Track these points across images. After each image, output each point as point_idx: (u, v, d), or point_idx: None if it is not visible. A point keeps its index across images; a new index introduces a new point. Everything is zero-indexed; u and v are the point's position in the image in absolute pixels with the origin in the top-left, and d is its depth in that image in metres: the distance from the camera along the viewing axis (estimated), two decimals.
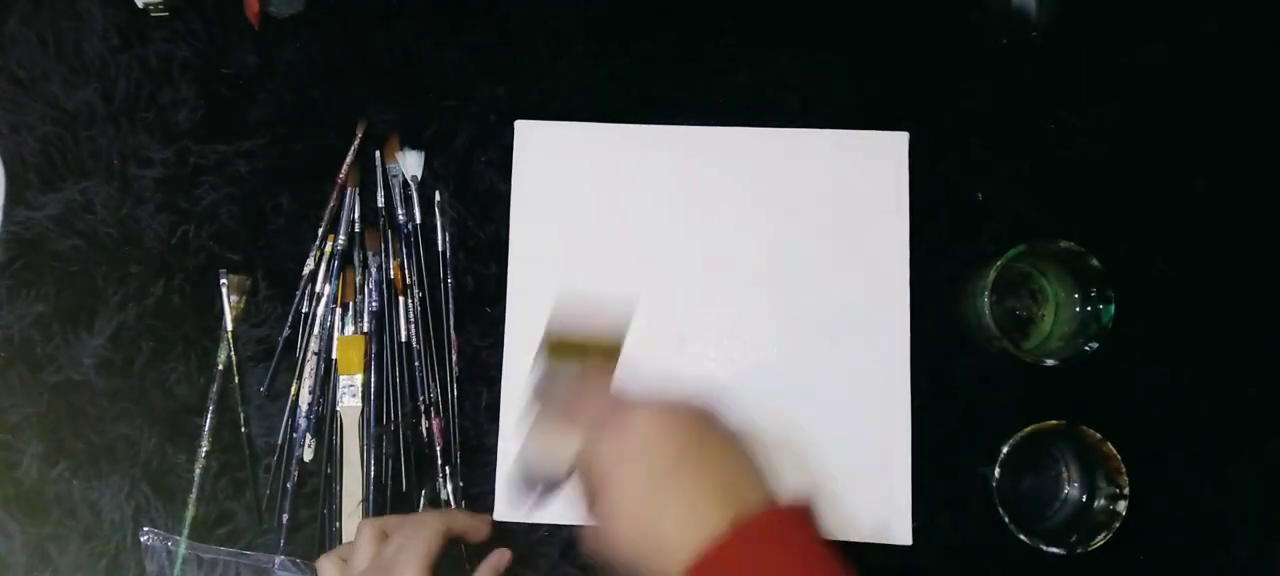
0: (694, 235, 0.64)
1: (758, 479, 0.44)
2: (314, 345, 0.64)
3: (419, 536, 0.52)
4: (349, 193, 0.65)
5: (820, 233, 0.64)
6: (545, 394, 0.52)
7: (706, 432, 0.44)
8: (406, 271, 0.65)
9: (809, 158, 0.64)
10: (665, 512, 0.42)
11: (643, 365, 0.63)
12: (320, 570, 0.54)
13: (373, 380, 0.64)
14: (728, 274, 0.64)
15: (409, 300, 0.65)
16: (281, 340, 0.64)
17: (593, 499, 0.46)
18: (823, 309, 0.63)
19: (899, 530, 0.61)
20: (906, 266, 0.63)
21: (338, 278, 0.65)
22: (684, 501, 0.42)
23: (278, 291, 0.65)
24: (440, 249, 0.65)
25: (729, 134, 0.65)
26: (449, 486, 0.63)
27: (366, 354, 0.64)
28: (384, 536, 0.54)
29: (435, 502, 0.63)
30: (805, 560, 0.41)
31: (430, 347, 0.64)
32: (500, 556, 0.58)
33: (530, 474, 0.50)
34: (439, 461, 0.63)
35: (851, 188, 0.64)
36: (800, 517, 0.42)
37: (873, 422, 0.62)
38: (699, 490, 0.42)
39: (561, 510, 0.62)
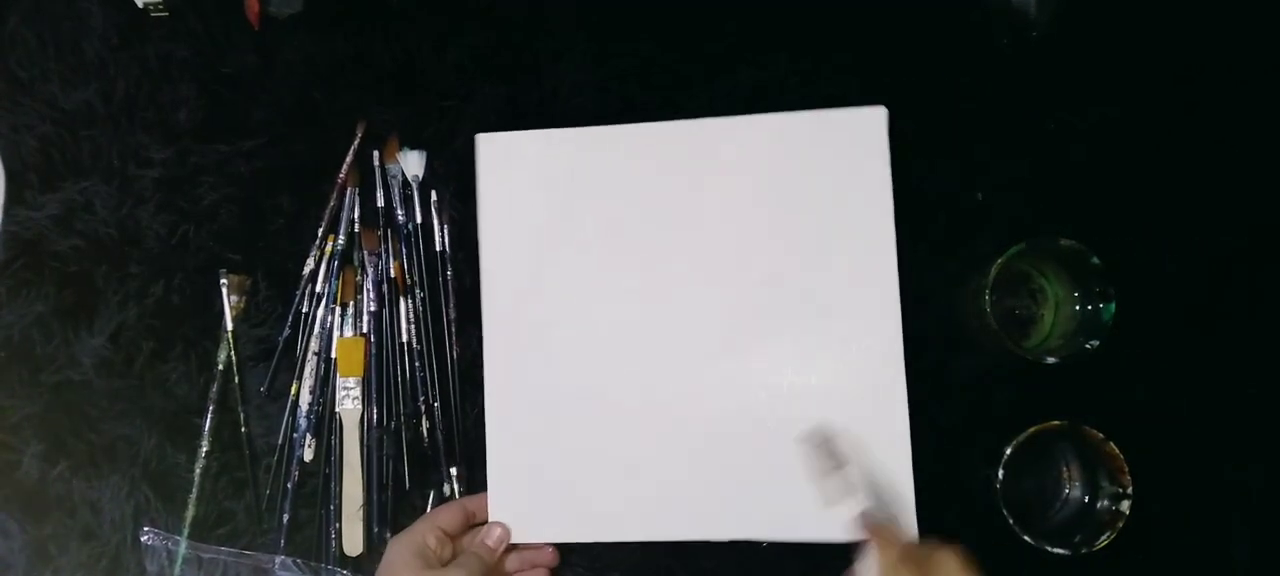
0: (670, 232, 0.62)
1: None
2: (314, 345, 0.64)
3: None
4: (349, 193, 0.65)
5: (802, 219, 0.61)
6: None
7: None
8: (407, 272, 0.65)
9: (784, 142, 0.62)
10: None
11: (623, 364, 0.61)
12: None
13: (372, 381, 0.64)
14: (709, 269, 0.61)
15: (410, 300, 0.64)
16: (281, 340, 0.64)
17: None
18: (809, 299, 0.61)
19: (901, 527, 0.60)
20: (893, 247, 0.61)
21: (337, 277, 0.65)
22: None
23: (278, 291, 0.65)
24: (439, 249, 0.65)
25: (698, 126, 0.62)
26: (454, 487, 0.63)
27: (366, 355, 0.64)
28: None
29: (440, 501, 0.63)
30: None
31: (430, 348, 0.64)
32: (499, 532, 0.60)
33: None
34: (443, 464, 0.63)
35: (830, 168, 0.61)
36: None
37: (871, 418, 0.60)
38: None
39: (562, 528, 0.62)
